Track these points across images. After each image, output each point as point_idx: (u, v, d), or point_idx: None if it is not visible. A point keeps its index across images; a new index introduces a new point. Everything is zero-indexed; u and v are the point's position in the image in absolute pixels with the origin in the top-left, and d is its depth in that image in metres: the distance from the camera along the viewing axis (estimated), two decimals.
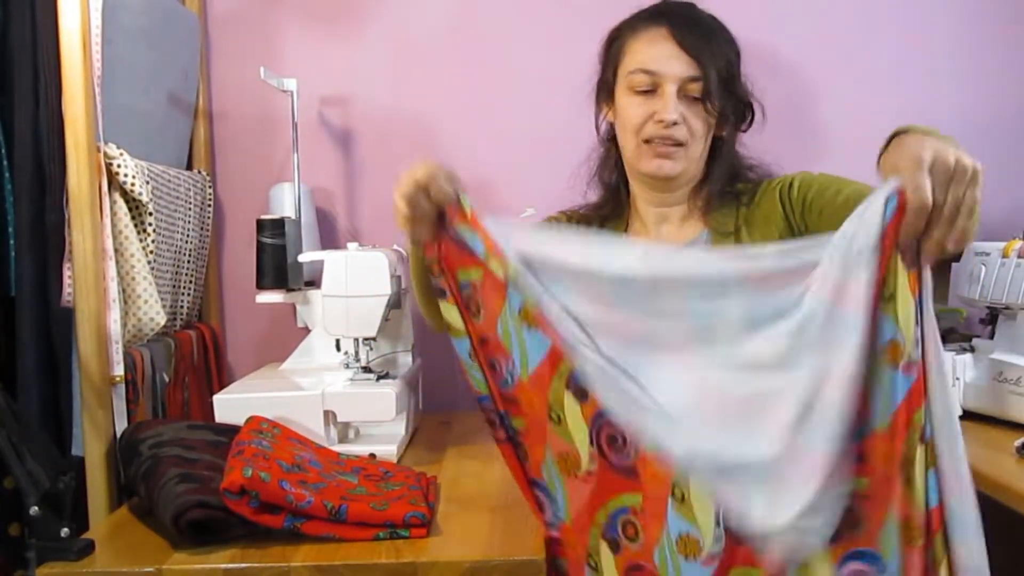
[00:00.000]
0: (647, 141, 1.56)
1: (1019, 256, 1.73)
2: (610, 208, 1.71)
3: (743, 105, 1.61)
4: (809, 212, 1.51)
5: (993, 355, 1.75)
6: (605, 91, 1.66)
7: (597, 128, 1.72)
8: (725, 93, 1.55)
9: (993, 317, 1.81)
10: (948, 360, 1.79)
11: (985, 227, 2.30)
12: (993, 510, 1.55)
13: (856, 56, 2.30)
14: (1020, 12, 2.32)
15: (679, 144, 1.55)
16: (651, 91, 1.55)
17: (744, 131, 1.65)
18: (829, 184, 1.51)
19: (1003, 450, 1.54)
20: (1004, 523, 1.56)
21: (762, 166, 1.66)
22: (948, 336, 2.03)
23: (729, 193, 1.62)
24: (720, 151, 1.63)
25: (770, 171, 1.65)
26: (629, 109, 1.57)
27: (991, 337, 1.80)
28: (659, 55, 1.54)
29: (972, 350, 1.81)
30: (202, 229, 2.12)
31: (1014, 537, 1.55)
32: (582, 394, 1.23)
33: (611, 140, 1.70)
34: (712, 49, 1.54)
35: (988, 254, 1.82)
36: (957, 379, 1.79)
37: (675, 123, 1.53)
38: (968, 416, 1.79)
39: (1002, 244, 1.79)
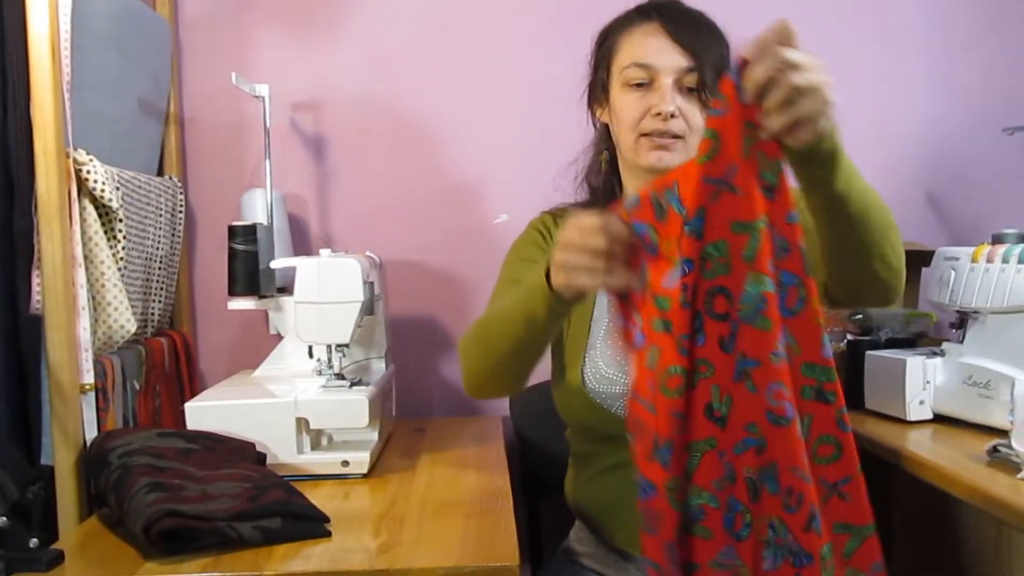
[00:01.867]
0: (645, 135, 1.56)
1: (988, 261, 1.74)
2: (600, 207, 1.72)
3: None
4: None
5: (963, 359, 1.76)
6: (599, 90, 1.66)
7: (594, 126, 1.72)
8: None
9: (963, 321, 1.82)
10: (919, 364, 1.81)
11: (955, 232, 2.34)
12: (963, 512, 1.56)
13: (826, 65, 2.31)
14: (993, 20, 2.34)
15: (677, 137, 1.55)
16: (646, 85, 1.55)
17: None
18: None
19: (974, 453, 1.55)
20: (972, 525, 1.57)
21: None
22: (919, 340, 2.04)
23: None
24: None
25: None
26: (625, 104, 1.57)
27: (961, 341, 1.81)
28: (653, 49, 1.55)
29: (942, 354, 1.83)
30: (173, 235, 2.11)
31: (984, 539, 1.56)
32: None
33: (603, 141, 1.70)
34: (705, 41, 1.55)
35: (958, 259, 1.83)
36: (928, 383, 1.80)
37: (672, 115, 1.53)
38: (939, 420, 1.80)
39: (971, 249, 1.80)
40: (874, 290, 1.41)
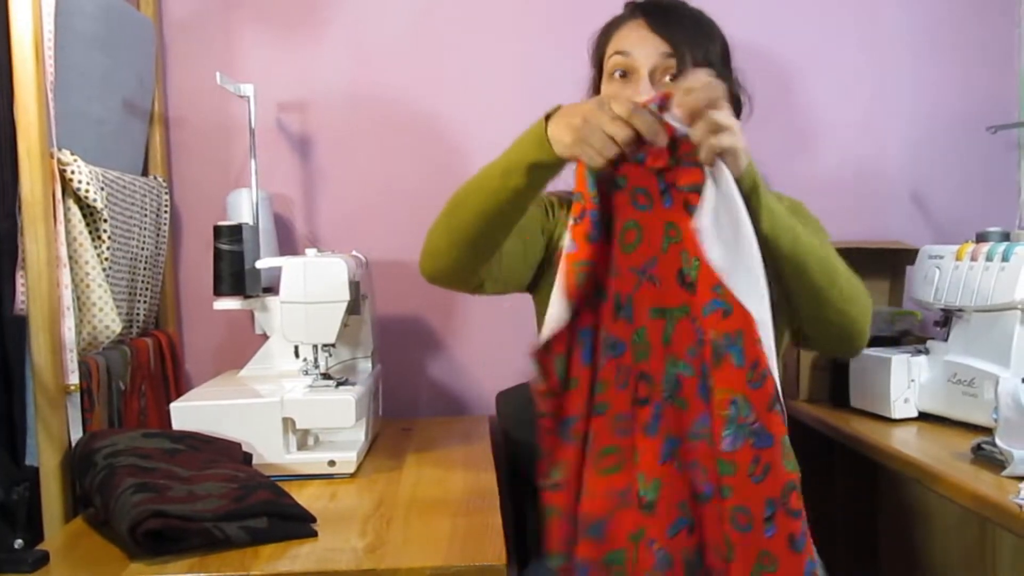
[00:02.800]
0: None
1: (972, 259, 1.75)
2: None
3: (729, 96, 1.61)
4: None
5: (947, 357, 1.77)
6: (594, 90, 1.66)
7: None
8: None
9: (947, 319, 1.83)
10: (903, 362, 1.81)
11: (939, 230, 2.35)
12: (948, 510, 1.57)
13: (811, 61, 2.32)
14: (976, 19, 2.35)
15: None
16: (628, 76, 1.55)
17: None
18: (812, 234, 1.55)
19: (958, 451, 1.55)
20: (956, 523, 1.58)
21: None
22: (903, 338, 2.05)
23: None
24: None
25: None
26: (607, 94, 1.58)
27: (946, 339, 1.82)
28: (634, 40, 1.55)
29: (927, 352, 1.84)
30: (158, 236, 2.10)
31: (968, 537, 1.57)
32: None
33: None
34: (689, 35, 1.54)
35: (942, 257, 1.84)
36: (912, 381, 1.81)
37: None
38: (923, 418, 1.81)
39: (955, 247, 1.81)
40: (830, 336, 1.44)
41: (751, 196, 1.26)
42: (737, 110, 1.64)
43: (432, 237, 1.48)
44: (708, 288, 1.15)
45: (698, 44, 1.55)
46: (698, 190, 1.16)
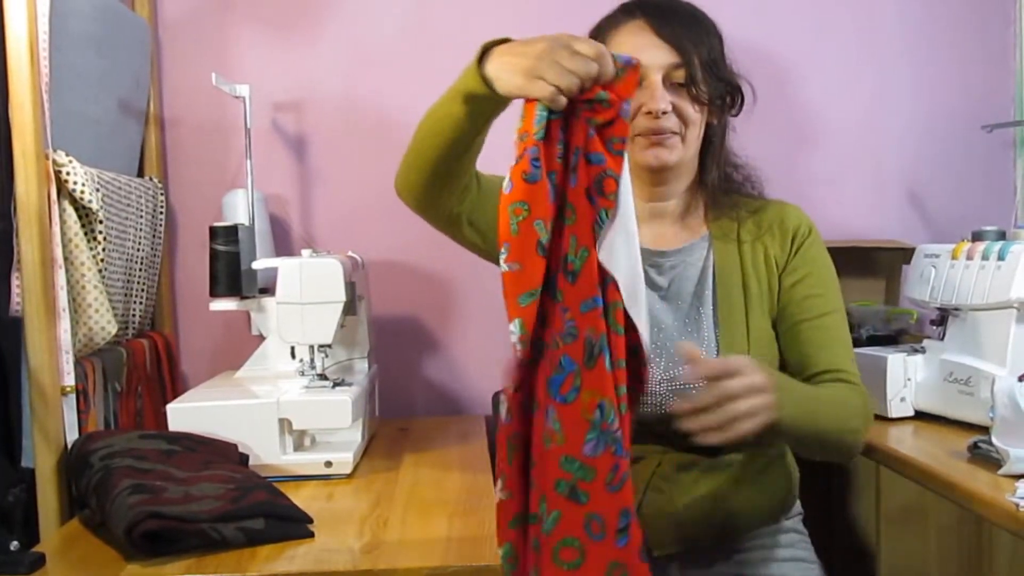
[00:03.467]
0: (640, 135, 1.55)
1: (968, 258, 1.75)
2: None
3: (731, 88, 1.62)
4: (786, 299, 1.61)
5: (943, 356, 1.77)
6: None
7: None
8: (710, 77, 1.56)
9: (943, 318, 1.83)
10: (900, 361, 1.81)
11: (935, 229, 2.35)
12: (944, 508, 1.57)
13: (808, 60, 2.33)
14: (972, 18, 2.36)
15: (673, 133, 1.55)
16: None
17: (735, 115, 1.65)
18: (820, 295, 1.60)
19: (954, 450, 1.55)
20: (953, 521, 1.58)
21: (747, 166, 1.67)
22: (900, 337, 2.05)
23: (726, 201, 1.63)
24: (712, 141, 1.63)
25: (753, 173, 1.67)
26: None
27: (941, 338, 1.82)
28: (640, 46, 1.54)
29: (923, 351, 1.84)
30: (154, 237, 2.10)
31: (965, 535, 1.57)
32: None
33: None
34: (691, 35, 1.55)
35: (938, 256, 1.84)
36: (909, 380, 1.81)
37: (664, 112, 1.53)
38: (920, 416, 1.81)
39: (951, 246, 1.81)
40: (832, 460, 1.59)
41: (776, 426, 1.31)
42: (739, 103, 1.64)
43: (403, 158, 1.50)
44: (592, 284, 1.13)
45: (701, 42, 1.55)
46: (613, 178, 1.15)
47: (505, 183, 1.14)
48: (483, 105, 1.29)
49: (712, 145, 1.64)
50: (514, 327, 1.13)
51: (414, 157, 1.45)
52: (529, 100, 1.17)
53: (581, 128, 1.16)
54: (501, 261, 1.13)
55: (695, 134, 1.58)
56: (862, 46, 2.35)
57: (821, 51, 2.33)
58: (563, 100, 1.14)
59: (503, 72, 1.22)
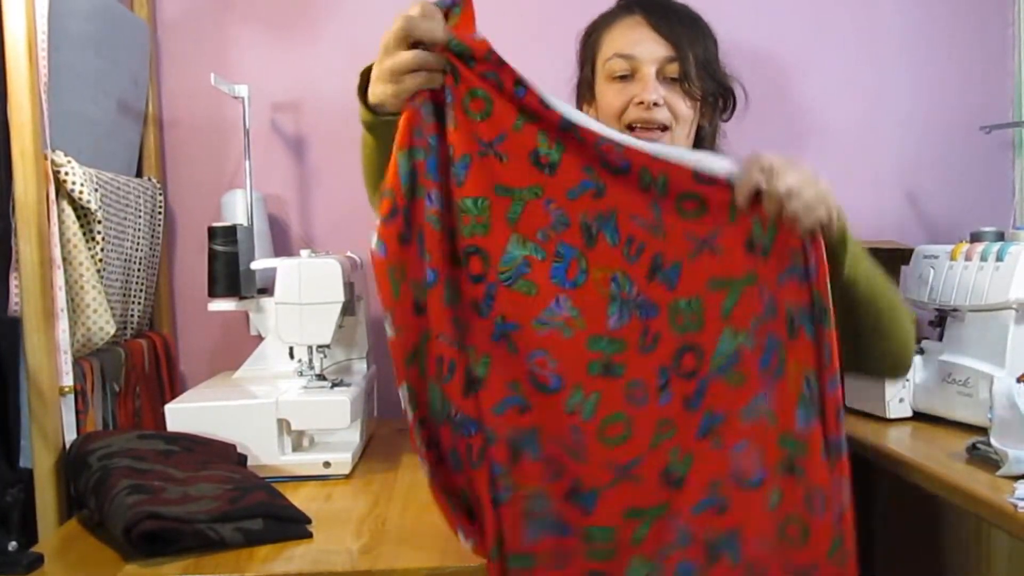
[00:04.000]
0: (630, 127, 1.55)
1: (967, 259, 1.76)
2: None
3: (724, 89, 1.62)
4: None
5: (942, 357, 1.77)
6: (585, 88, 1.66)
7: None
8: (704, 75, 1.56)
9: (942, 319, 1.83)
10: None
11: (934, 230, 2.35)
12: (943, 510, 1.57)
13: (807, 61, 2.33)
14: (970, 19, 2.36)
15: (664, 128, 1.55)
16: (629, 77, 1.55)
17: (726, 119, 1.66)
18: None
19: (953, 451, 1.55)
20: (952, 522, 1.58)
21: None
22: None
23: None
24: (703, 144, 1.64)
25: None
26: (609, 96, 1.58)
27: (940, 339, 1.82)
28: (635, 40, 1.55)
29: (921, 352, 1.84)
30: (152, 237, 2.10)
31: (963, 536, 1.57)
32: None
33: None
34: (687, 32, 1.55)
35: (936, 257, 1.84)
36: (907, 381, 1.81)
37: (656, 104, 1.53)
38: (918, 417, 1.81)
39: (950, 247, 1.81)
40: (883, 367, 1.48)
41: (838, 246, 1.26)
42: (731, 106, 1.65)
43: None
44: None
45: (697, 40, 1.56)
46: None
47: (376, 243, 1.16)
48: (385, 129, 1.26)
49: (702, 147, 1.64)
50: (404, 391, 1.20)
51: (365, 179, 1.47)
52: (407, 110, 1.18)
53: (464, 131, 1.15)
54: (387, 327, 1.18)
55: (685, 131, 1.58)
56: (861, 47, 2.35)
57: (820, 52, 2.33)
58: (428, 77, 1.17)
59: (375, 93, 1.23)
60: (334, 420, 1.69)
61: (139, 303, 2.02)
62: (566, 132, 1.14)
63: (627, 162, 1.14)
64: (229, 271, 1.88)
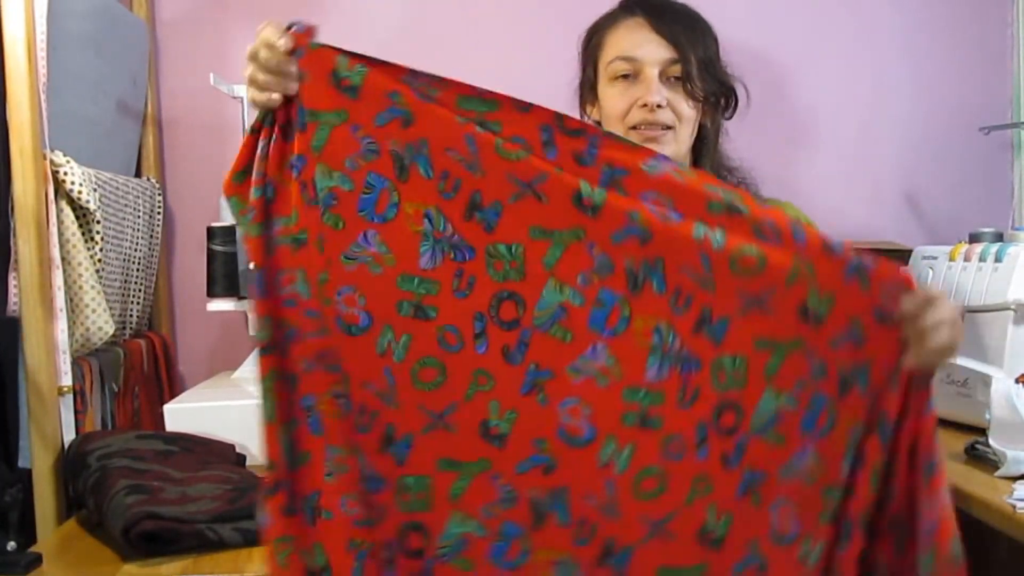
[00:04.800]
0: (634, 128, 1.55)
1: (965, 260, 1.76)
2: None
3: (726, 89, 1.62)
4: None
5: None
6: (587, 89, 1.66)
7: None
8: (706, 75, 1.56)
9: None
10: None
11: (933, 231, 2.35)
12: None
13: (805, 61, 2.33)
14: (969, 20, 2.36)
15: (667, 128, 1.55)
16: (632, 78, 1.55)
17: (729, 117, 1.66)
18: None
19: (952, 452, 1.55)
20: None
21: (741, 168, 1.68)
22: None
23: None
24: (705, 142, 1.64)
25: (748, 176, 1.67)
26: (612, 98, 1.58)
27: None
28: (637, 41, 1.55)
29: None
30: (151, 237, 2.10)
31: (961, 537, 1.57)
32: None
33: None
34: (689, 33, 1.55)
35: (935, 258, 1.84)
36: None
37: (659, 106, 1.53)
38: None
39: (948, 248, 1.81)
40: None
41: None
42: (733, 105, 1.65)
43: None
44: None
45: (698, 41, 1.56)
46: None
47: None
48: None
49: (705, 147, 1.64)
50: None
51: None
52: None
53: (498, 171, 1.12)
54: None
55: (688, 131, 1.58)
56: (860, 48, 2.35)
57: (819, 53, 2.33)
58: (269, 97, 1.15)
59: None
60: None
61: (138, 303, 2.02)
62: (607, 187, 1.11)
63: (680, 214, 1.10)
64: (228, 271, 1.88)
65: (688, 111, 1.55)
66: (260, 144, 1.16)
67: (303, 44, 1.15)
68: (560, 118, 1.12)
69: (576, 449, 1.10)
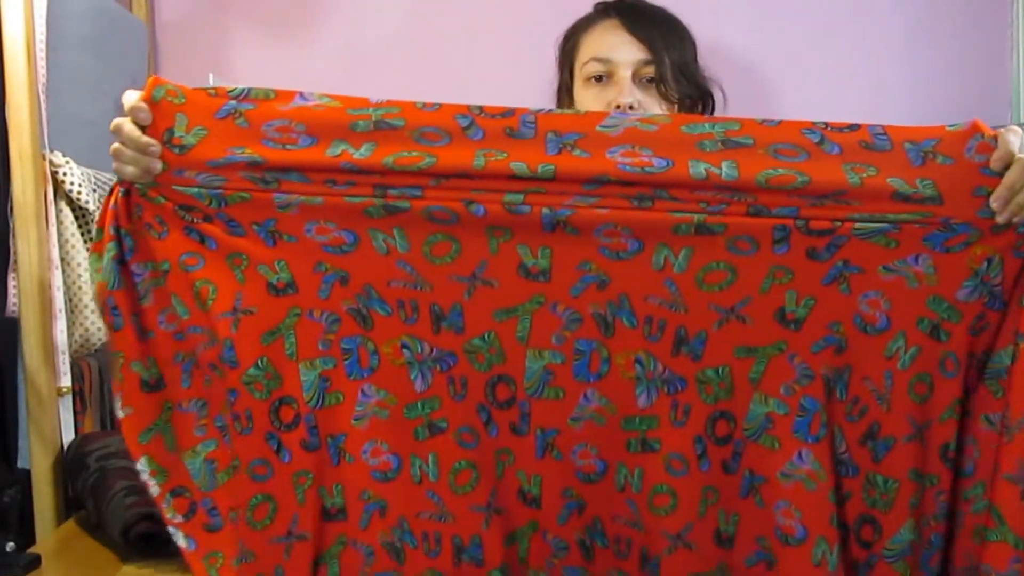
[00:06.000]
0: None
1: None
2: None
3: (701, 91, 1.62)
4: None
5: None
6: (564, 92, 1.67)
7: None
8: (681, 78, 1.56)
9: None
10: None
11: None
12: None
13: (805, 62, 2.33)
14: (967, 21, 2.36)
15: None
16: (607, 79, 1.56)
17: None
18: None
19: None
20: None
21: None
22: None
23: None
24: None
25: None
26: (586, 99, 1.58)
27: None
28: (612, 43, 1.56)
29: None
30: None
31: None
32: None
33: None
34: (664, 35, 1.56)
35: None
36: None
37: (631, 107, 1.53)
38: None
39: None
40: None
41: None
42: (709, 108, 1.65)
43: None
44: (573, 267, 1.15)
45: (673, 43, 1.56)
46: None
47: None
48: None
49: None
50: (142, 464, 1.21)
51: None
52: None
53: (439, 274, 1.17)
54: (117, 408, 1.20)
55: None
56: (858, 49, 2.34)
57: (817, 53, 2.33)
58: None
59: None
60: None
61: None
62: (551, 233, 1.13)
63: (639, 242, 1.12)
64: None
65: (659, 113, 1.56)
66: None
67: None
68: (479, 107, 1.15)
69: (591, 484, 1.18)
